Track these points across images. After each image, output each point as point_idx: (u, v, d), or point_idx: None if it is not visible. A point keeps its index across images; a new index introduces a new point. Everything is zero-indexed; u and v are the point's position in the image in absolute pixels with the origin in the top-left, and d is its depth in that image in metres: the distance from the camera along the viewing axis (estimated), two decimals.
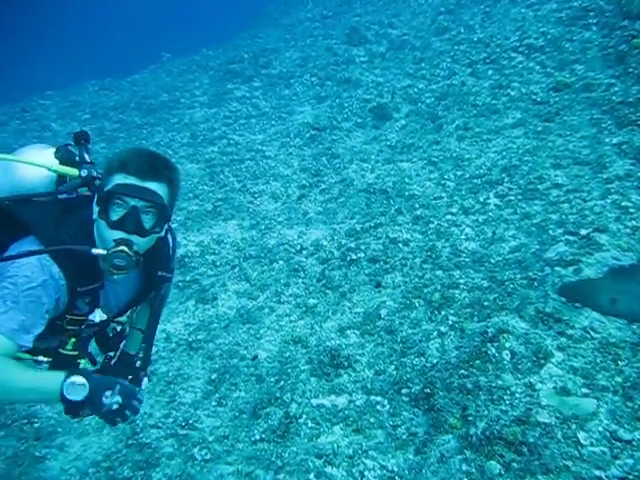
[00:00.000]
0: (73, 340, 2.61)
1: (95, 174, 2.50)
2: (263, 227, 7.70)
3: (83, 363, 2.71)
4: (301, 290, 6.15)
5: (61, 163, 2.52)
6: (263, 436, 4.37)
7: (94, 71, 19.59)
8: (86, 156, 2.60)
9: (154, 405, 5.23)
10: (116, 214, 2.31)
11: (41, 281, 2.27)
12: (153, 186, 2.32)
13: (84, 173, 2.48)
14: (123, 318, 2.84)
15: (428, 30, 12.05)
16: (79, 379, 2.19)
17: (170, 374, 5.54)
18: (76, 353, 2.63)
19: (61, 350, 2.60)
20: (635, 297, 3.92)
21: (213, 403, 5.04)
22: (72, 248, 2.32)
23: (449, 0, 12.76)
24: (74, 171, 2.49)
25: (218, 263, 7.18)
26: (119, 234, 2.30)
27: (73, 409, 2.25)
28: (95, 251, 2.31)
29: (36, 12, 45.90)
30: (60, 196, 2.48)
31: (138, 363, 2.79)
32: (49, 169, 2.47)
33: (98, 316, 2.54)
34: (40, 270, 2.27)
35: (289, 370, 4.92)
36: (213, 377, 5.30)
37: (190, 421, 4.88)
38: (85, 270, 2.40)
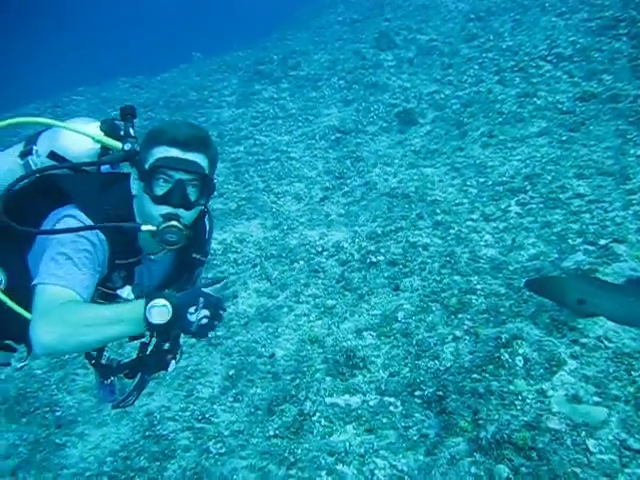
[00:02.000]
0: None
1: (138, 148, 2.46)
2: (285, 227, 7.78)
3: None
4: (320, 291, 6.22)
5: (106, 135, 2.52)
6: (277, 432, 4.44)
7: (126, 69, 19.85)
8: (131, 131, 2.56)
9: (172, 398, 5.33)
10: (161, 189, 2.30)
11: (93, 240, 2.30)
12: (195, 157, 2.31)
13: (127, 147, 2.45)
14: None
15: (457, 36, 12.05)
16: (160, 301, 2.13)
17: (189, 369, 5.63)
18: None
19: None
20: (607, 301, 3.92)
21: (230, 398, 5.12)
22: (122, 225, 2.33)
23: (479, 7, 12.75)
24: (117, 144, 2.49)
25: (240, 261, 7.26)
26: (166, 209, 2.30)
27: (162, 332, 2.25)
28: (145, 227, 2.31)
29: (70, 10, 46.57)
30: (103, 167, 2.54)
31: (166, 346, 2.69)
32: (93, 138, 2.50)
33: (126, 292, 2.51)
34: (89, 232, 2.29)
35: (305, 369, 4.99)
36: (231, 373, 5.38)
37: (207, 415, 4.97)
38: (126, 244, 2.42)
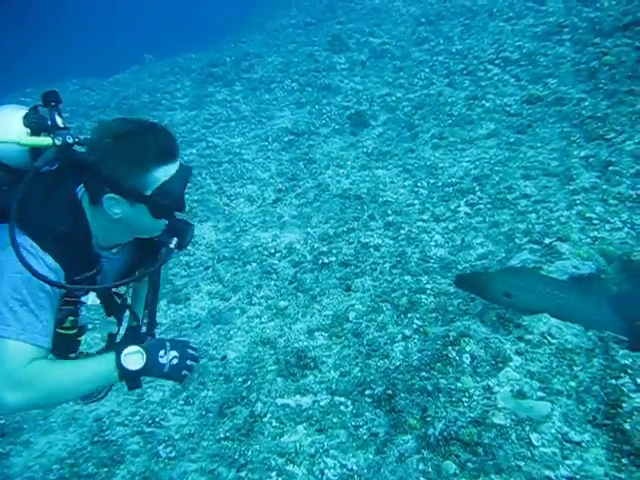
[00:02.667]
0: (71, 318, 2.50)
1: (71, 140, 2.29)
2: (238, 229, 7.77)
3: (84, 339, 2.65)
4: (273, 292, 6.22)
5: (32, 131, 2.31)
6: (228, 434, 4.42)
7: (76, 70, 19.50)
8: (58, 120, 2.37)
9: (122, 403, 5.27)
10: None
11: (46, 273, 2.12)
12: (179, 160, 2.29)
13: (58, 141, 2.26)
14: (122, 289, 2.71)
15: (409, 40, 12.19)
16: (132, 348, 2.22)
17: None
18: (75, 331, 2.55)
19: (59, 330, 2.46)
20: (534, 293, 4.01)
21: (180, 402, 5.09)
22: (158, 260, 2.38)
23: (430, 11, 12.94)
24: (47, 140, 2.28)
25: (192, 264, 7.22)
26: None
27: (136, 380, 2.27)
28: (173, 245, 2.32)
29: (21, 9, 45.61)
30: (35, 164, 2.23)
31: (143, 329, 2.74)
32: (18, 144, 2.26)
33: (91, 299, 2.46)
34: (38, 266, 2.09)
35: (257, 370, 4.98)
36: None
37: (157, 419, 4.93)
38: (82, 259, 2.30)
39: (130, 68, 18.11)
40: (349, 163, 8.66)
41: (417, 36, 12.08)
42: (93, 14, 49.09)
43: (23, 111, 2.37)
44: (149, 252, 2.58)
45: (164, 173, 2.20)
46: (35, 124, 2.31)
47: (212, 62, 14.54)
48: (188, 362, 2.37)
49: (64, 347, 2.54)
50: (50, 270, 2.14)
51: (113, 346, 2.66)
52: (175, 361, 2.30)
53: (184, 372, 2.36)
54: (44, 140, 2.28)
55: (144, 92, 14.37)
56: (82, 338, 2.63)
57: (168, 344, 2.34)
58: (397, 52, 11.89)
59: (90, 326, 2.76)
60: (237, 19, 23.17)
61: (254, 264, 6.88)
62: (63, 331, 2.49)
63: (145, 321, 2.78)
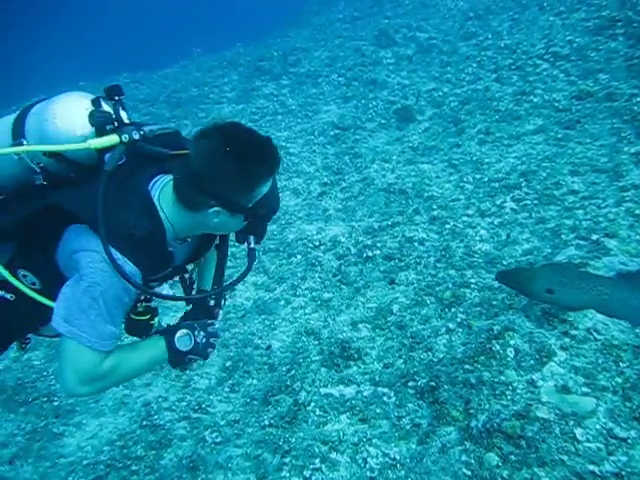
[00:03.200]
0: (144, 304, 2.69)
1: (137, 137, 2.31)
2: (283, 222, 7.84)
3: (156, 321, 2.80)
4: (317, 284, 6.28)
5: (97, 130, 2.31)
6: (272, 422, 4.50)
7: (128, 64, 19.89)
8: (123, 115, 2.38)
9: (169, 389, 5.39)
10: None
11: (120, 287, 2.20)
12: None
13: (125, 139, 2.29)
14: (189, 266, 2.81)
15: (456, 35, 12.11)
16: (181, 332, 2.48)
17: None
18: (148, 316, 2.73)
19: (133, 316, 2.69)
20: (577, 289, 3.96)
21: (226, 389, 5.19)
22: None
23: (478, 6, 12.82)
24: (114, 139, 2.28)
25: (237, 255, 7.31)
26: None
27: (183, 360, 2.51)
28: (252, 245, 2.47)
29: (71, 6, 46.59)
30: (106, 167, 2.23)
31: (212, 302, 2.83)
32: (89, 148, 2.26)
33: (165, 290, 2.66)
34: (116, 277, 2.15)
35: (300, 360, 5.05)
36: (227, 364, 5.45)
37: (203, 405, 5.03)
38: (159, 258, 2.36)
39: (179, 62, 18.40)
40: (394, 157, 8.67)
41: (465, 31, 11.99)
42: (143, 8, 49.90)
43: (87, 101, 2.39)
44: (210, 236, 2.69)
45: (267, 186, 2.29)
46: (101, 122, 2.32)
47: (259, 56, 14.67)
48: (212, 340, 2.59)
49: (138, 331, 2.72)
50: (132, 276, 2.20)
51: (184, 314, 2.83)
52: (204, 340, 2.54)
53: (210, 350, 2.59)
54: (111, 139, 2.28)
55: (192, 86, 14.60)
56: (155, 321, 2.79)
57: (196, 325, 2.55)
58: (444, 47, 11.82)
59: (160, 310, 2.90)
60: (285, 14, 23.28)
61: (299, 256, 6.96)
62: (137, 317, 2.69)
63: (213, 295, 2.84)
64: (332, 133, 10.20)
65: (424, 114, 9.78)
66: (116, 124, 2.35)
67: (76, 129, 2.32)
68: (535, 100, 8.18)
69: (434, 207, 6.83)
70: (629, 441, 3.17)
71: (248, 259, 2.53)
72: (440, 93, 10.02)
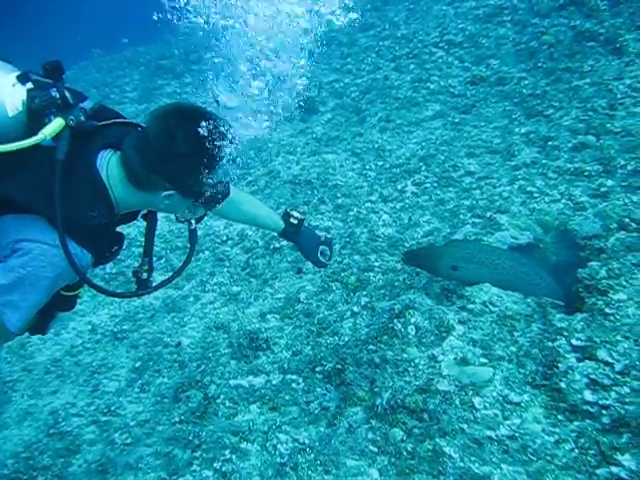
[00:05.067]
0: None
1: (83, 118, 2.20)
2: None
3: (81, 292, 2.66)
4: (226, 279, 6.24)
5: (33, 113, 2.13)
6: (183, 418, 4.46)
7: (22, 67, 19.08)
8: (67, 94, 2.22)
9: (77, 395, 5.26)
10: None
11: (65, 279, 2.17)
12: None
13: (72, 122, 2.16)
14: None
15: (355, 26, 12.24)
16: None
17: (94, 364, 5.57)
18: (77, 291, 2.58)
19: (61, 291, 2.48)
20: (478, 264, 4.13)
21: (136, 390, 5.10)
22: None
23: None
24: (60, 122, 2.14)
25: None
26: None
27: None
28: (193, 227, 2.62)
29: None
30: (58, 156, 2.09)
31: (145, 275, 2.81)
32: (44, 140, 2.09)
33: (108, 268, 2.63)
34: (68, 269, 2.10)
35: (210, 354, 5.02)
36: (137, 365, 5.35)
37: (112, 408, 4.93)
38: (110, 239, 2.36)
39: (78, 64, 17.83)
40: (299, 149, 8.69)
41: (363, 22, 12.14)
42: (40, 10, 48.05)
43: (11, 76, 2.21)
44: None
45: (220, 170, 2.33)
46: (43, 107, 2.15)
47: (160, 55, 14.41)
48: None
49: (63, 306, 2.55)
50: (83, 261, 2.17)
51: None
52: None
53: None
54: (57, 124, 2.14)
55: (92, 87, 14.17)
56: (79, 291, 2.62)
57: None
58: (344, 39, 11.93)
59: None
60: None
61: (207, 252, 6.90)
62: (66, 292, 2.49)
63: (145, 268, 2.82)
64: None
65: (327, 105, 9.85)
66: (60, 106, 2.20)
67: (7, 111, 2.13)
68: (432, 87, 8.38)
69: (338, 195, 6.90)
70: (522, 404, 3.33)
71: (190, 241, 2.65)
72: (341, 84, 10.12)
